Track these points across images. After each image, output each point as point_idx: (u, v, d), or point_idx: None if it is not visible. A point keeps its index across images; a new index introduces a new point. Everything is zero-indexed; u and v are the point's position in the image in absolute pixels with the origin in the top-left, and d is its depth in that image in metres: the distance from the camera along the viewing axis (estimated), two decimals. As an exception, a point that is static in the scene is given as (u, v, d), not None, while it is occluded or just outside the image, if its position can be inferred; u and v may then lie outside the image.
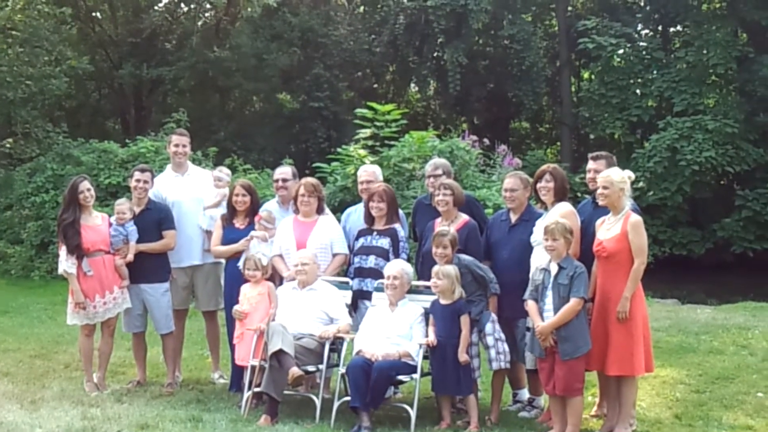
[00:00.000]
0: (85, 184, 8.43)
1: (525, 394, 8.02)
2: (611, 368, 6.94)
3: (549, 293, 6.87)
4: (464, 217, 7.79)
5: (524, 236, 7.49)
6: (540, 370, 7.09)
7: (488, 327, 7.29)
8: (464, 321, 7.21)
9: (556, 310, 6.80)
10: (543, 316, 6.87)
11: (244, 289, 8.07)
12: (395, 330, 7.42)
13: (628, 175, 7.09)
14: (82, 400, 7.95)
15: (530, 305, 7.00)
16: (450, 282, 7.21)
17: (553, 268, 6.87)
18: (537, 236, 7.25)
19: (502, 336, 7.35)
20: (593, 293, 6.97)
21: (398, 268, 7.58)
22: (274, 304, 7.90)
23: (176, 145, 9.15)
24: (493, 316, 7.36)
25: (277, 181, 8.95)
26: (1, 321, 12.40)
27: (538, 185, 7.63)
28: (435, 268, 7.33)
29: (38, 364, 9.60)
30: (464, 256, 7.40)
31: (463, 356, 7.15)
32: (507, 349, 7.37)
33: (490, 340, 7.30)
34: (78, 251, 8.18)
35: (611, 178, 7.00)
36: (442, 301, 7.29)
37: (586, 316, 6.90)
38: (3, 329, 11.71)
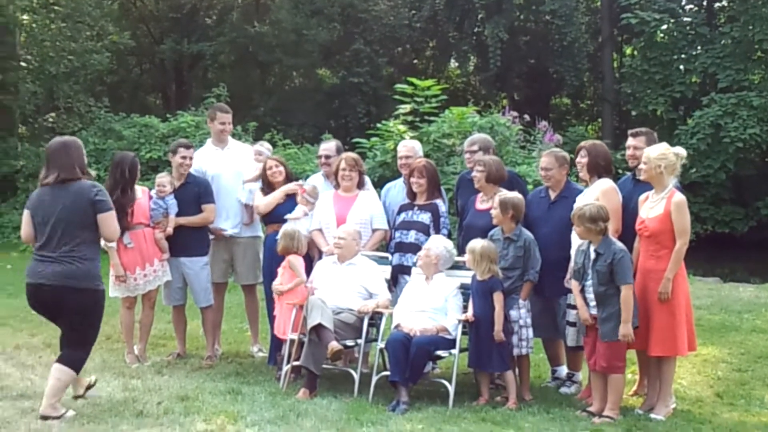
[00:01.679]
0: (137, 162, 8.60)
1: (563, 370, 8.00)
2: (654, 349, 6.87)
3: (590, 274, 6.83)
4: (504, 193, 7.74)
5: (564, 213, 7.37)
6: (585, 345, 7.06)
7: (513, 313, 7.27)
8: (497, 298, 7.13)
9: (596, 294, 6.76)
10: (586, 299, 6.86)
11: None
12: (430, 303, 7.41)
13: (676, 152, 6.97)
14: (123, 371, 8.05)
15: (575, 286, 6.97)
16: (475, 258, 7.19)
17: (592, 253, 6.82)
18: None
19: (528, 322, 7.33)
20: (634, 271, 6.91)
21: (430, 243, 7.63)
22: (298, 276, 7.90)
23: (222, 123, 9.11)
24: (521, 302, 7.32)
25: (320, 157, 9.01)
26: (44, 293, 12.55)
27: (576, 161, 7.60)
28: (469, 245, 7.33)
29: (80, 336, 9.73)
30: (527, 233, 7.36)
31: (498, 335, 7.11)
32: (531, 335, 7.37)
33: (515, 327, 7.29)
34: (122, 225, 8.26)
35: (649, 154, 6.93)
36: (478, 278, 7.26)
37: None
38: (46, 301, 11.87)
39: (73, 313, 6.62)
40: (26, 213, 6.79)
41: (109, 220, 6.69)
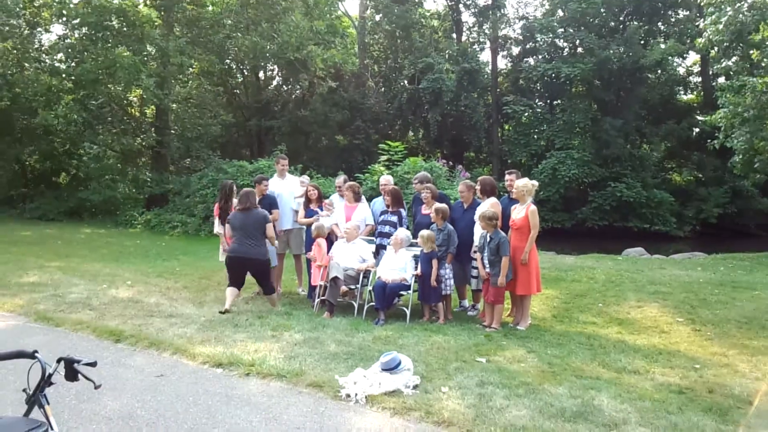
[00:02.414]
0: (234, 186, 8.57)
1: (466, 303, 8.00)
2: (519, 290, 6.91)
3: (486, 249, 6.84)
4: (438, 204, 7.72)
5: (472, 216, 7.44)
6: (482, 288, 7.09)
7: (442, 271, 7.26)
8: (434, 263, 7.17)
9: (489, 260, 6.78)
10: (484, 263, 6.86)
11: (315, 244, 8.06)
12: (397, 265, 7.40)
13: (533, 182, 7.03)
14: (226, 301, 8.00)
15: (478, 256, 6.99)
16: (423, 240, 7.20)
17: (488, 238, 6.83)
18: (476, 217, 7.21)
19: (451, 276, 7.31)
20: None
21: (396, 233, 7.62)
22: (323, 252, 7.85)
23: (282, 165, 9.14)
24: (447, 265, 7.29)
25: (337, 185, 8.99)
26: (183, 258, 12.46)
27: (476, 187, 7.63)
28: (419, 233, 7.33)
29: (203, 282, 9.65)
30: (450, 226, 7.36)
31: (434, 283, 7.15)
32: (452, 283, 7.35)
33: (443, 278, 7.27)
34: (225, 221, 8.19)
35: (518, 184, 7.00)
36: (424, 251, 7.26)
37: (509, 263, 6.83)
38: (185, 263, 11.79)
39: (254, 272, 7.44)
40: (228, 226, 7.54)
41: (269, 226, 7.50)
